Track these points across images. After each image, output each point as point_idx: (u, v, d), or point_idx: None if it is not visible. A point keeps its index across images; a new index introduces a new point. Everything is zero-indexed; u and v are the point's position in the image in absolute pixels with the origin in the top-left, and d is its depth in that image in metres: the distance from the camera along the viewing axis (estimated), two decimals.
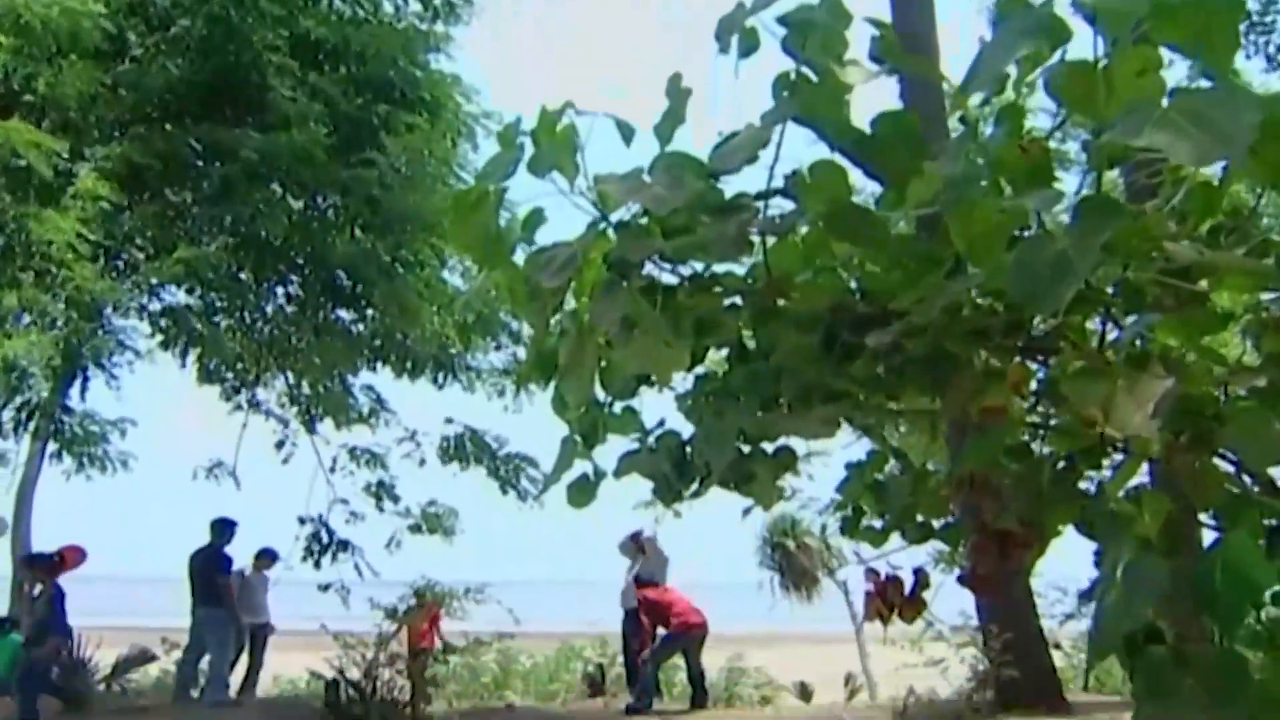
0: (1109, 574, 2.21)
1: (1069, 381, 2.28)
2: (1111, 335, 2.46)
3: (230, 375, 16.32)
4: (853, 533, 3.16)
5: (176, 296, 14.60)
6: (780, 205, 2.43)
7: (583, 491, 2.82)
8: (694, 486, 2.75)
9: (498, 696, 15.15)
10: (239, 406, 17.04)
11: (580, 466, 2.78)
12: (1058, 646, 12.98)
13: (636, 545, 12.73)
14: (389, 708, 10.20)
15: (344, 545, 16.77)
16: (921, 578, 3.06)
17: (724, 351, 2.71)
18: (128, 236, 13.49)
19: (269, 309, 15.67)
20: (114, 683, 13.43)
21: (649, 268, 2.44)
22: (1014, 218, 2.20)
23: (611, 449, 2.78)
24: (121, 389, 15.56)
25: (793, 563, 23.66)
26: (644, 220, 2.41)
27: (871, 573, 3.08)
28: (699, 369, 2.73)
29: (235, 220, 13.04)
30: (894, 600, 3.01)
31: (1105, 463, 3.08)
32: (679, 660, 12.70)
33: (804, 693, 16.55)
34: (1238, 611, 2.02)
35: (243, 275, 14.43)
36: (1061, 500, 2.79)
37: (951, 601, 8.74)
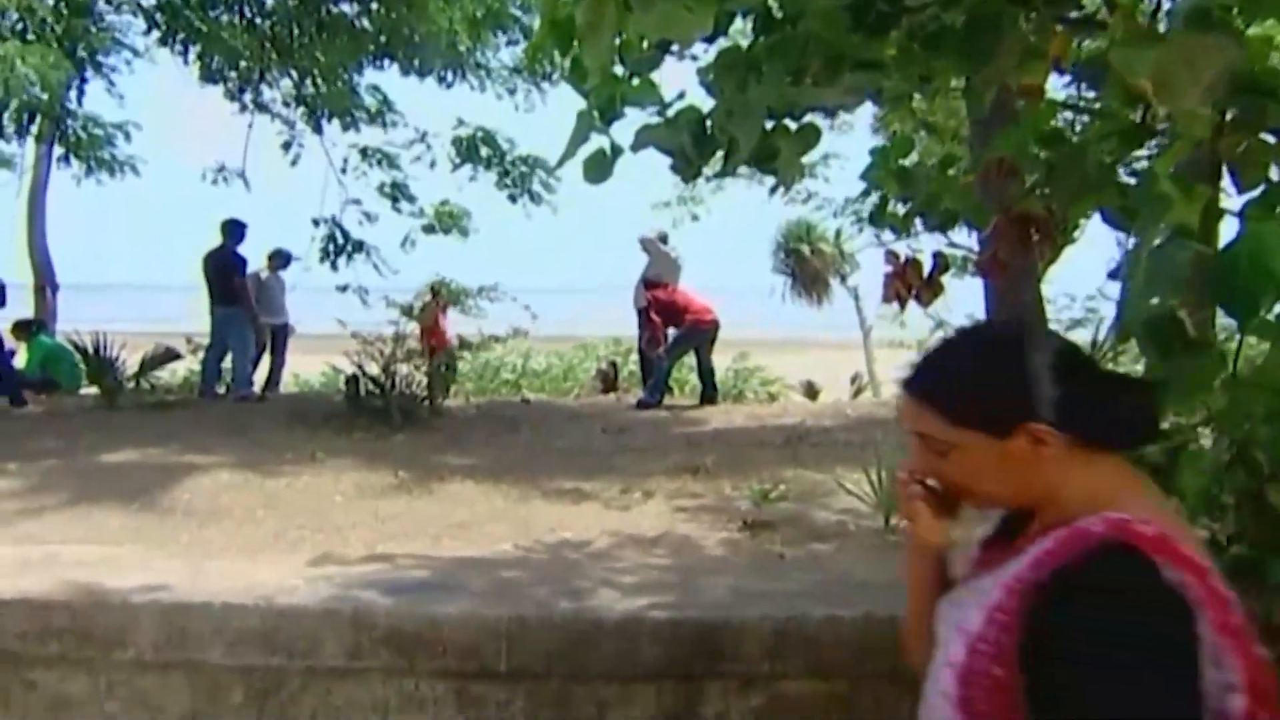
0: (1138, 258, 2.15)
1: (1118, 50, 2.15)
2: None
3: (233, 74, 15.95)
4: (879, 218, 3.10)
5: None
6: None
7: (598, 166, 2.71)
8: (715, 162, 2.65)
9: (513, 392, 15.49)
10: (244, 108, 16.76)
11: (597, 141, 2.66)
12: None
13: (650, 245, 12.70)
14: (407, 400, 10.40)
15: (359, 246, 16.80)
16: (941, 261, 3.02)
17: (748, 22, 2.57)
18: None
19: (269, 2, 15.18)
20: (141, 380, 13.72)
21: None
22: None
23: (629, 126, 2.67)
24: (125, 96, 15.27)
25: (805, 268, 23.75)
26: None
27: (891, 254, 3.03)
28: (722, 41, 2.61)
29: None
30: (912, 282, 2.98)
31: (1140, 151, 2.98)
32: (690, 360, 12.89)
33: (810, 391, 16.91)
34: (1255, 302, 1.96)
35: None
36: (1096, 186, 2.69)
37: (961, 305, 8.74)
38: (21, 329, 14.16)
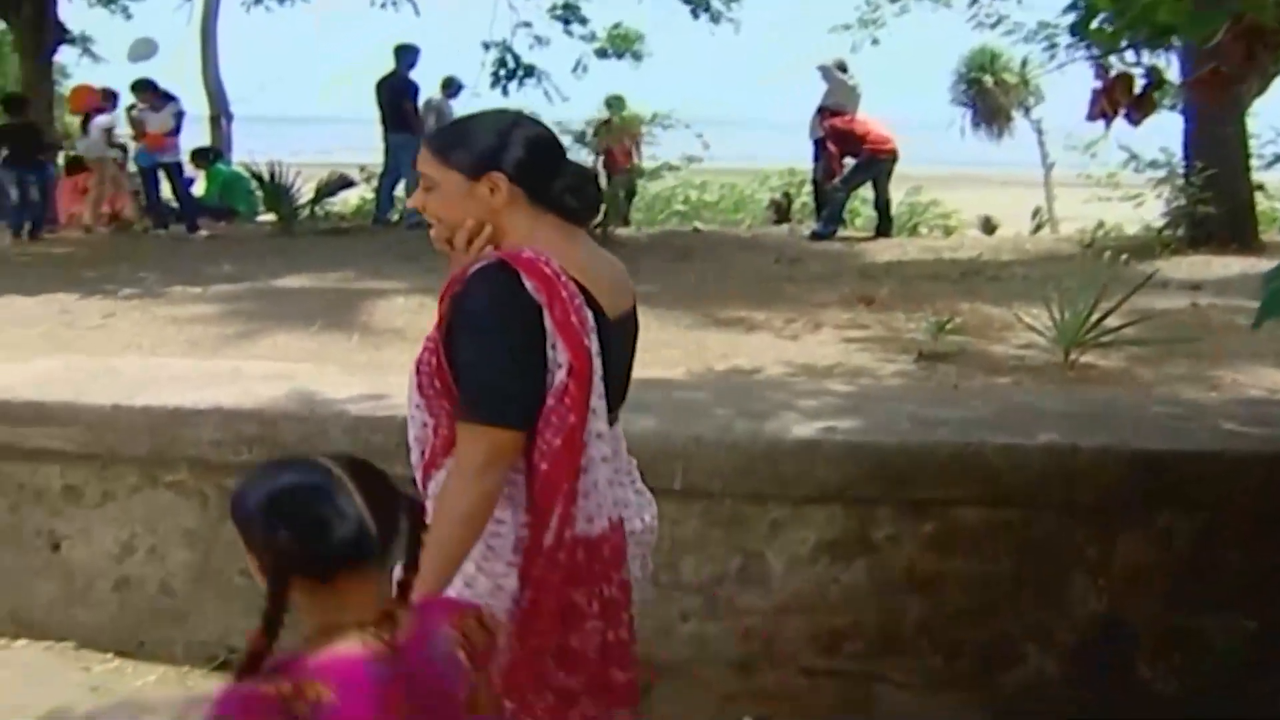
0: None
1: None
2: None
3: None
4: (1082, 30, 2.93)
5: None
6: None
7: None
8: None
9: (684, 223, 15.43)
10: None
11: None
12: (1260, 188, 12.42)
13: (828, 73, 12.35)
14: None
15: (530, 71, 16.64)
16: (1155, 76, 2.84)
17: None
18: None
19: None
20: (316, 207, 14.01)
21: None
22: None
23: None
24: None
25: (987, 99, 22.93)
26: None
27: (1101, 68, 2.86)
28: None
29: None
30: (1121, 99, 2.81)
31: None
32: (863, 192, 12.63)
33: (987, 226, 16.47)
34: None
35: None
36: None
37: (1154, 136, 8.35)
38: (200, 157, 14.55)
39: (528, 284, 2.24)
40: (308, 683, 1.67)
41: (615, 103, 15.20)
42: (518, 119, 2.46)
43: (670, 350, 6.20)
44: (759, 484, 3.75)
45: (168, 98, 12.89)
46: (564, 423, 2.26)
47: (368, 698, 1.72)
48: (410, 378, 2.42)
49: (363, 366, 5.87)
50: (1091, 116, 2.92)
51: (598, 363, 2.30)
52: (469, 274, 2.28)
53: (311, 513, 1.74)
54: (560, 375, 2.26)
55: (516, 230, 2.35)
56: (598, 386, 2.31)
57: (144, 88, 12.87)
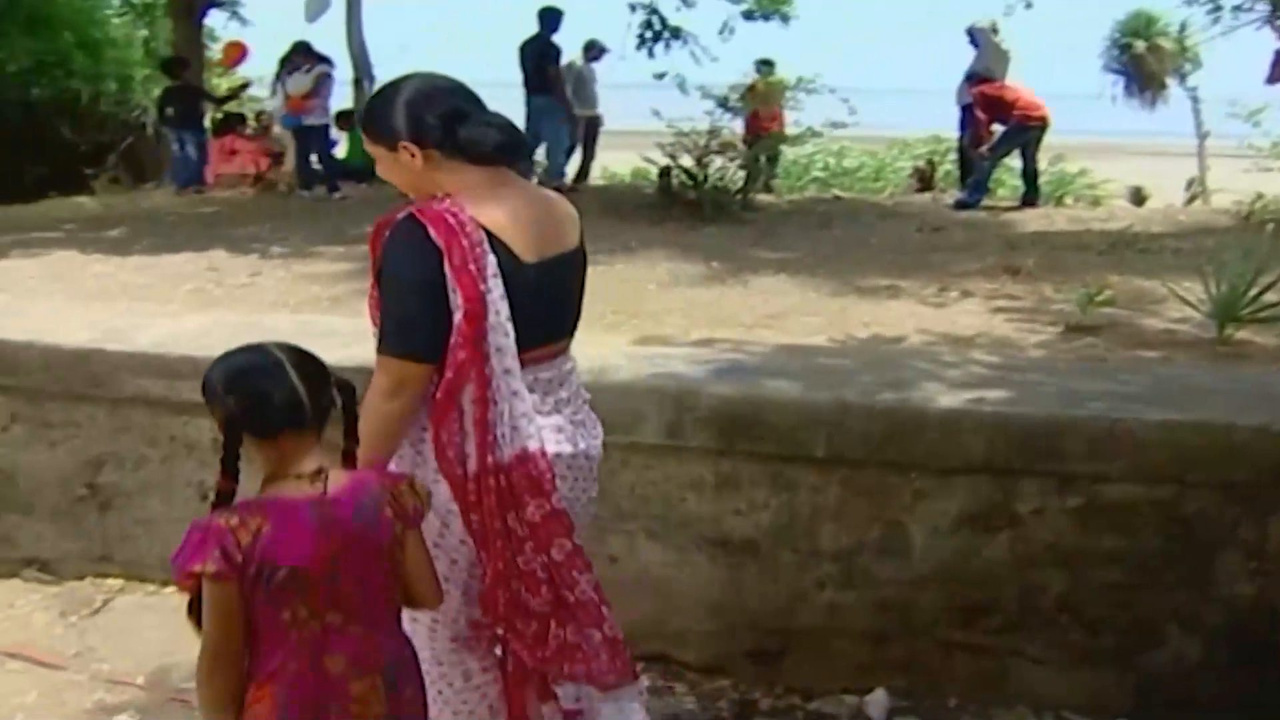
0: None
1: None
2: None
3: None
4: None
5: None
6: None
7: None
8: None
9: (823, 190, 15.29)
10: None
11: None
12: None
13: (981, 34, 12.08)
14: (721, 194, 10.43)
15: (676, 33, 16.51)
16: None
17: None
18: None
19: None
20: None
21: None
22: None
23: None
24: None
25: (1140, 65, 22.19)
26: None
27: None
28: None
29: None
30: None
31: None
32: (1008, 161, 12.37)
33: (1137, 197, 15.99)
34: None
35: None
36: None
37: None
38: (344, 119, 14.75)
39: (431, 233, 2.53)
40: (250, 515, 2.19)
41: (764, 66, 15.08)
42: (416, 82, 2.70)
43: (812, 317, 6.17)
44: (903, 453, 3.73)
45: (321, 60, 13.12)
46: (454, 358, 2.56)
47: (300, 530, 2.22)
48: (367, 311, 2.80)
49: None
50: (1272, 79, 2.81)
51: (502, 305, 2.57)
52: (393, 223, 2.63)
53: (255, 386, 2.25)
54: (457, 317, 2.54)
55: (445, 183, 2.65)
56: (501, 326, 2.57)
57: (299, 49, 13.14)
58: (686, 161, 10.77)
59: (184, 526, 2.24)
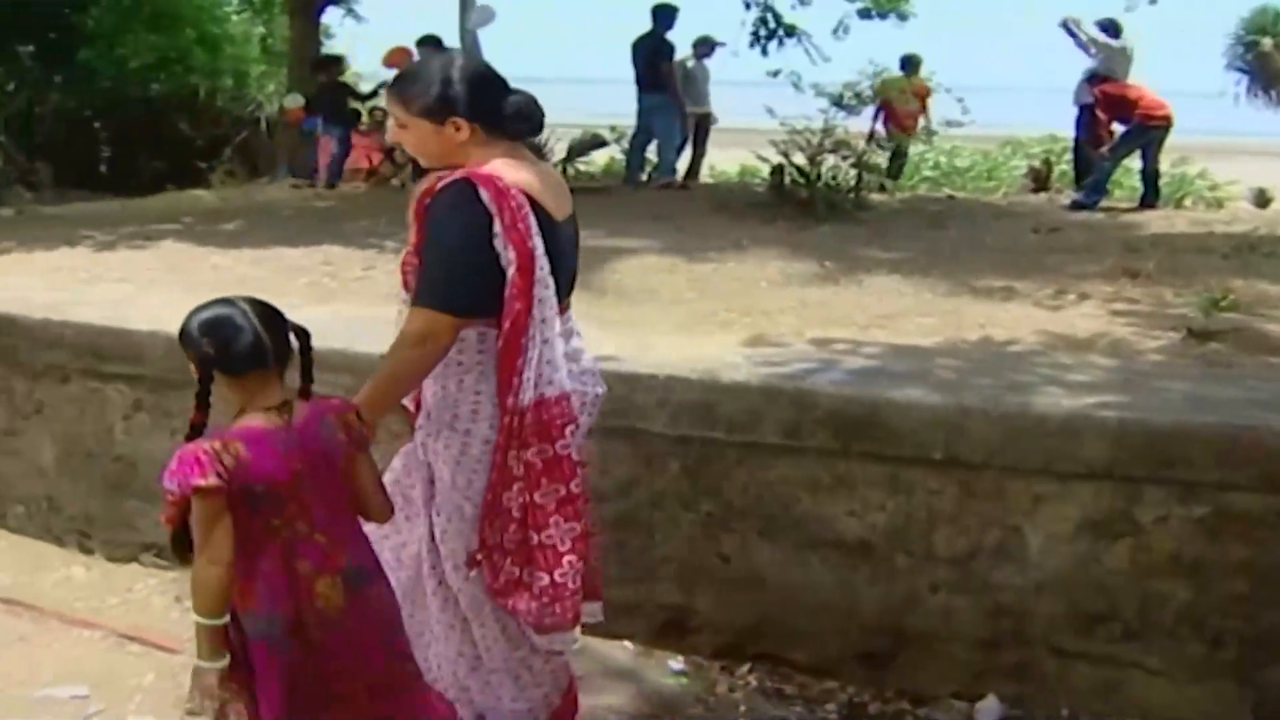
0: None
1: None
2: None
3: None
4: None
5: None
6: None
7: None
8: None
9: (934, 189, 15.11)
10: None
11: None
12: None
13: (1075, 31, 11.83)
14: (833, 193, 10.36)
15: (790, 30, 16.39)
16: None
17: None
18: None
19: None
20: (568, 166, 14.25)
21: None
22: None
23: None
24: None
25: (1266, 63, 21.53)
26: None
27: None
28: None
29: None
30: None
31: None
32: (1127, 162, 12.10)
33: (1261, 199, 15.52)
34: None
35: None
36: None
37: None
38: None
39: (483, 195, 2.77)
40: (230, 441, 2.57)
41: (908, 62, 15.00)
42: (461, 61, 2.98)
43: (925, 318, 6.10)
44: (1023, 457, 3.69)
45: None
46: (511, 309, 2.79)
47: (270, 454, 2.60)
48: (400, 276, 3.00)
49: (618, 324, 5.97)
50: None
51: (544, 260, 2.82)
52: (438, 187, 2.83)
53: (223, 331, 2.62)
54: (511, 272, 2.78)
55: (474, 156, 2.88)
56: (545, 278, 2.83)
57: (427, 43, 13.35)
58: (799, 159, 10.71)
59: None
